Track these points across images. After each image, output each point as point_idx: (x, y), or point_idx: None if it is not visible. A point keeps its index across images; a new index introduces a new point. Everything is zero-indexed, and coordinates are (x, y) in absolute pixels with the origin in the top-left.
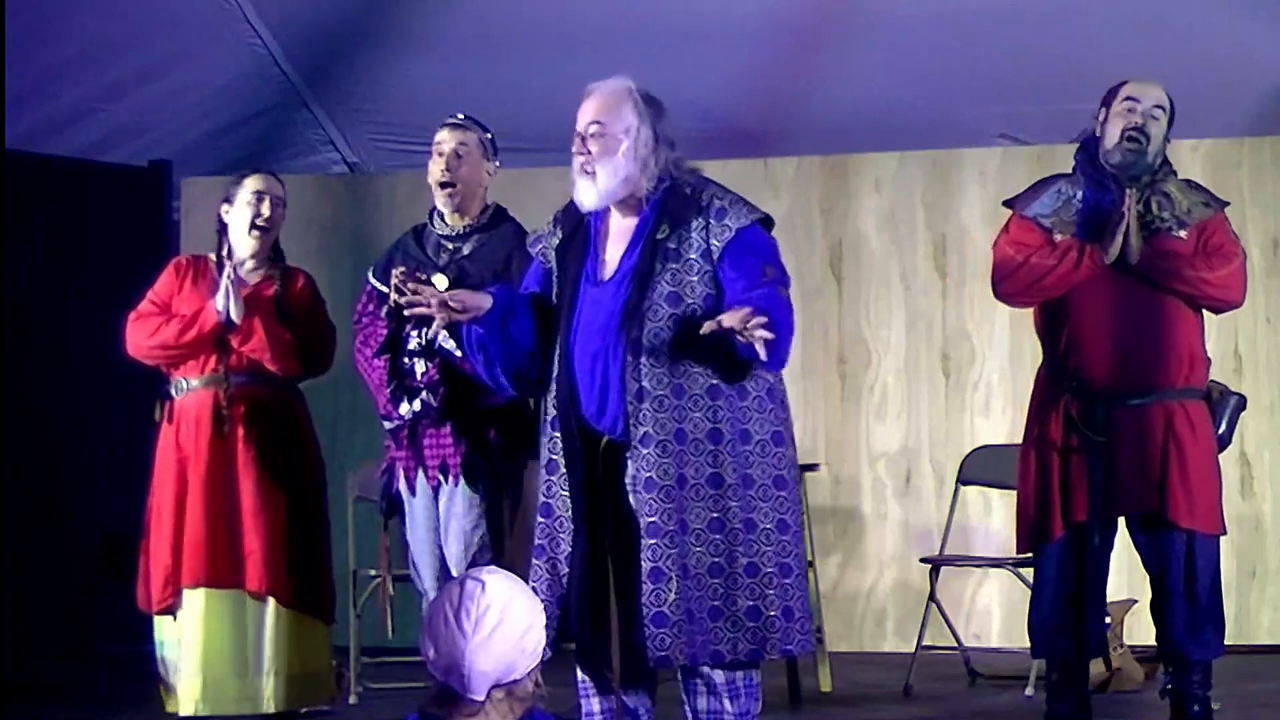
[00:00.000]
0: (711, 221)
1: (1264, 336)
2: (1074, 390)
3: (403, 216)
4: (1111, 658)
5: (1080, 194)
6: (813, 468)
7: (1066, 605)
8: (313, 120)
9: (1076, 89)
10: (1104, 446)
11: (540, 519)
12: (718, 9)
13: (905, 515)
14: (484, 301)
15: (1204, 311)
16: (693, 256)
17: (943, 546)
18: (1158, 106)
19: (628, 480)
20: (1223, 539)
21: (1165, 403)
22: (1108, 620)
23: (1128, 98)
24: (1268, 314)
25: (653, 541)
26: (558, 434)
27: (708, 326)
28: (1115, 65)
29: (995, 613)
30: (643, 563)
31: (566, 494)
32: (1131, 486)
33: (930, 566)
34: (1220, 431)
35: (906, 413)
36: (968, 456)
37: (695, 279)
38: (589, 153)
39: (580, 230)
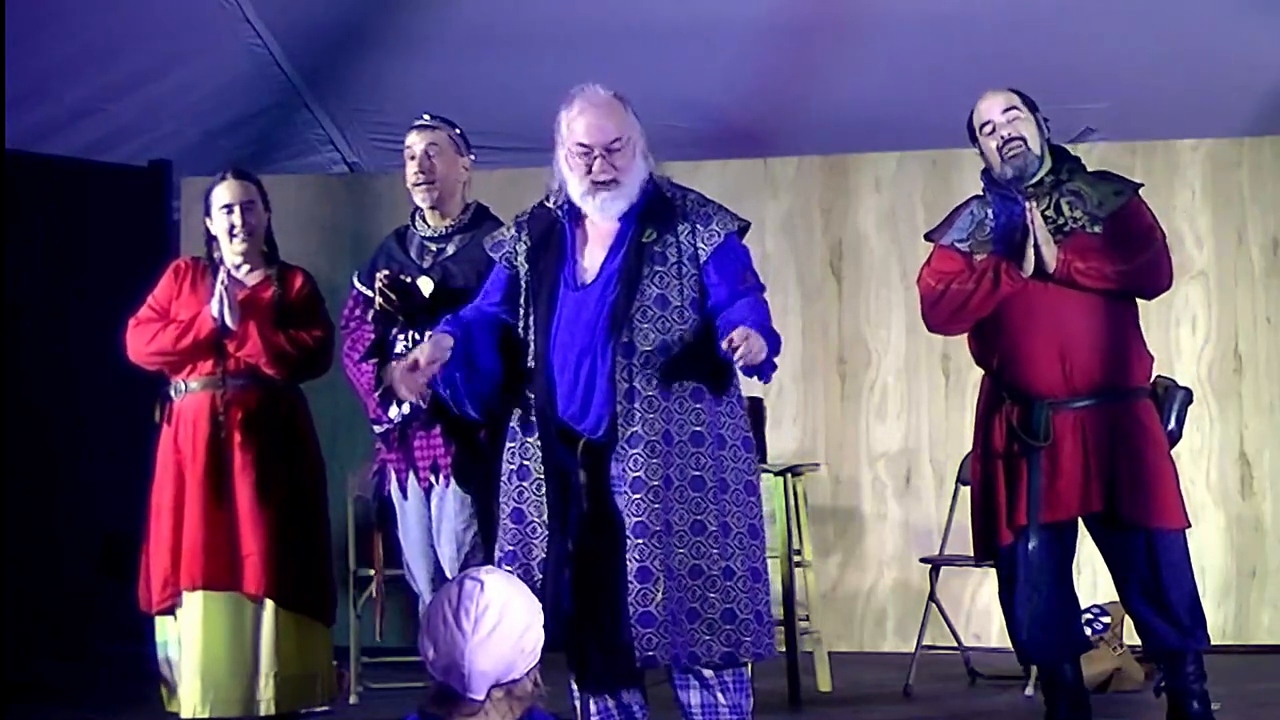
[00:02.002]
0: (698, 226)
1: (1264, 336)
2: (1013, 396)
3: (402, 216)
4: (1110, 657)
5: (991, 212)
6: (813, 467)
7: (1034, 609)
8: (313, 120)
9: (1076, 89)
10: (1046, 451)
11: (511, 525)
12: (718, 9)
13: (905, 515)
14: (444, 346)
15: (1191, 309)
16: (679, 260)
17: (943, 546)
18: (1010, 109)
19: (614, 480)
20: (1223, 539)
21: (1108, 404)
22: (1107, 620)
23: (983, 123)
24: (1268, 314)
25: (640, 542)
26: (531, 439)
27: (727, 345)
28: (1115, 65)
29: (995, 613)
30: (629, 563)
31: (541, 499)
32: (1080, 489)
33: (930, 566)
34: (1170, 427)
35: (906, 413)
36: (967, 456)
37: (683, 282)
38: (615, 167)
39: (553, 236)
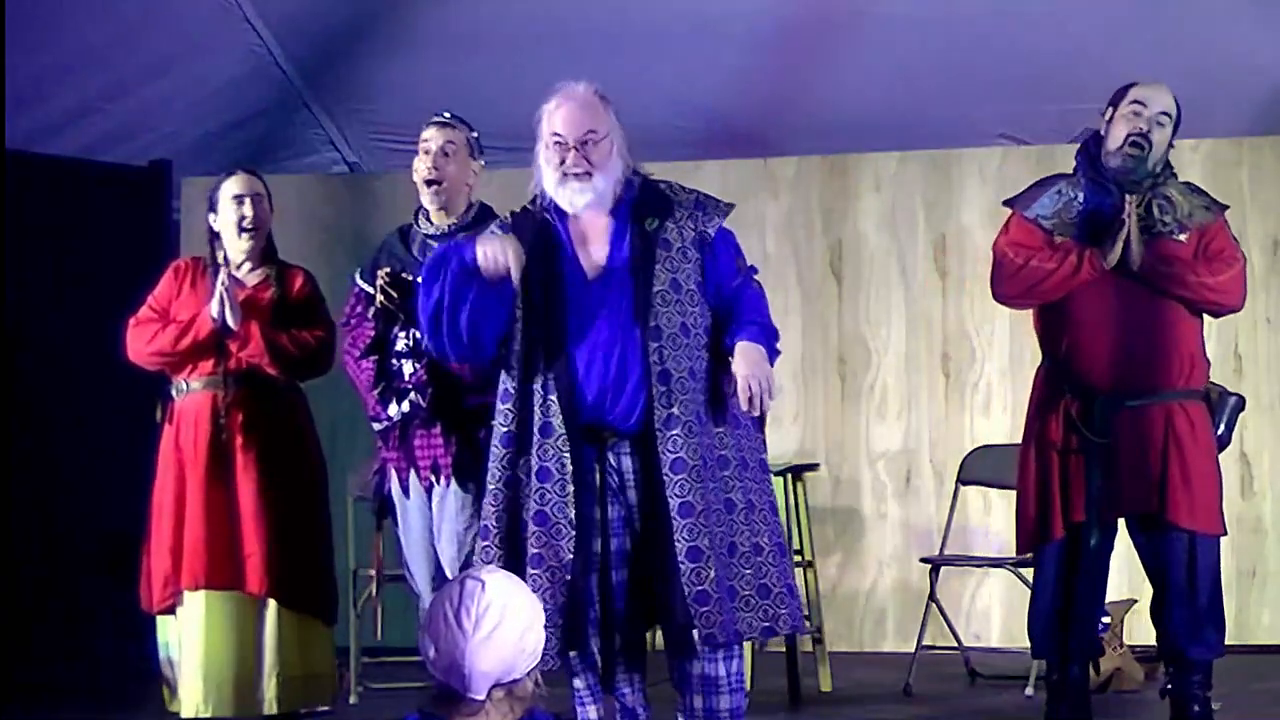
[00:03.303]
0: (697, 213)
1: (1264, 336)
2: (1074, 390)
3: (402, 216)
4: (1110, 657)
5: (1081, 195)
6: (813, 468)
7: (1066, 606)
8: (313, 120)
9: (1076, 89)
10: (1104, 447)
11: (535, 527)
12: (718, 9)
13: (905, 515)
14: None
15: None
16: (683, 245)
17: (943, 546)
18: (1164, 113)
19: (663, 463)
20: (1223, 539)
21: (1165, 404)
22: (1107, 620)
23: (1135, 101)
24: (1268, 314)
25: (687, 522)
26: (550, 440)
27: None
28: (1115, 65)
29: (995, 613)
30: (678, 543)
31: (564, 500)
32: (1131, 487)
33: (930, 566)
34: (1219, 432)
35: (906, 413)
36: (968, 456)
37: (689, 266)
38: (588, 160)
39: (546, 235)
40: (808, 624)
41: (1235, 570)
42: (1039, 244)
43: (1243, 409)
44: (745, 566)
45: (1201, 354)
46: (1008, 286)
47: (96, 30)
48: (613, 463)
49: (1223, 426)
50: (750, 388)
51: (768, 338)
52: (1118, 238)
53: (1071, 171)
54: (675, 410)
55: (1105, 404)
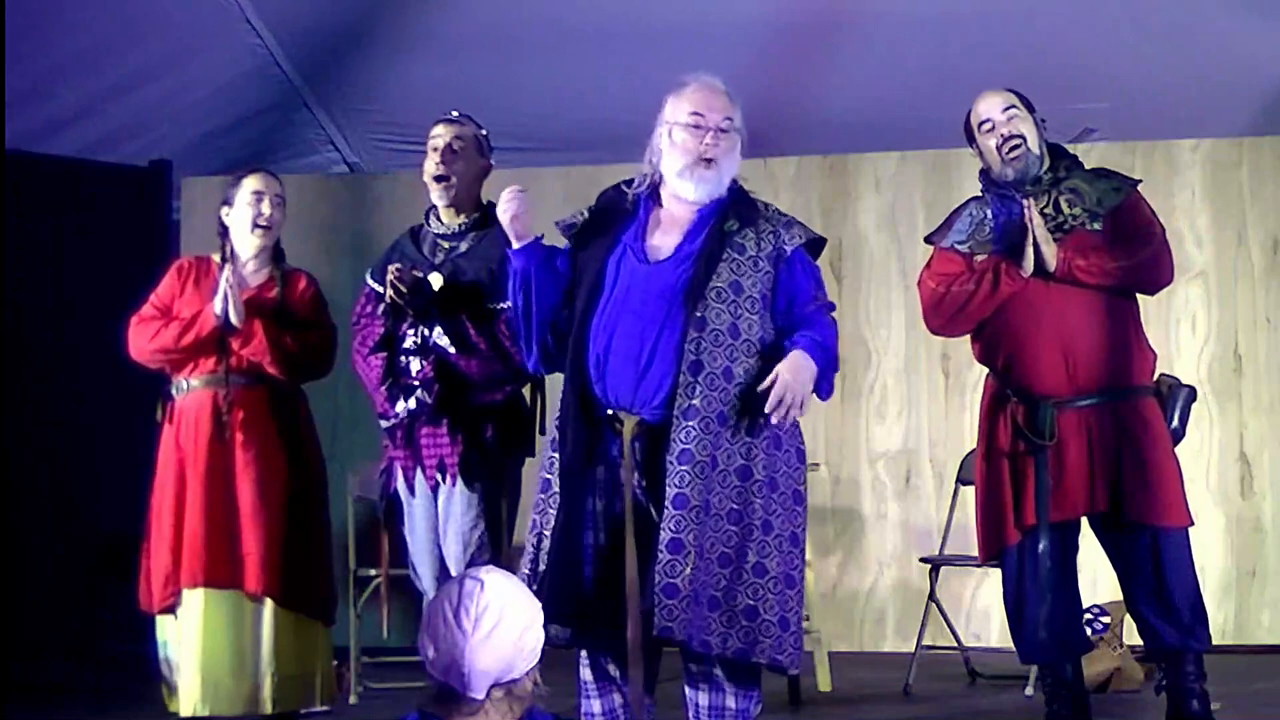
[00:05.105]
0: (780, 229)
1: (1264, 336)
2: (1018, 396)
3: (403, 216)
4: (1110, 657)
5: (990, 212)
6: (813, 467)
7: (1037, 609)
8: (313, 120)
9: (1076, 89)
10: (1051, 450)
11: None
12: (718, 9)
13: (905, 515)
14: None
15: (1191, 309)
16: (757, 255)
17: (943, 546)
18: (1010, 108)
19: (670, 450)
20: (1223, 539)
21: (1113, 403)
22: (1107, 620)
23: (982, 122)
24: (1268, 314)
25: (678, 514)
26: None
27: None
28: (1115, 65)
29: (995, 613)
30: (662, 532)
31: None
32: (1082, 488)
33: (930, 566)
34: (1173, 425)
35: (906, 413)
36: (968, 456)
37: (758, 275)
38: (719, 147)
39: (624, 211)
40: (807, 634)
41: (1235, 570)
42: (960, 269)
43: (1194, 399)
44: (738, 583)
45: (1144, 347)
46: (937, 319)
47: (96, 30)
48: (639, 457)
49: (1176, 419)
50: (781, 393)
51: (825, 359)
52: (1025, 245)
53: (980, 192)
54: (696, 402)
55: (1049, 407)
